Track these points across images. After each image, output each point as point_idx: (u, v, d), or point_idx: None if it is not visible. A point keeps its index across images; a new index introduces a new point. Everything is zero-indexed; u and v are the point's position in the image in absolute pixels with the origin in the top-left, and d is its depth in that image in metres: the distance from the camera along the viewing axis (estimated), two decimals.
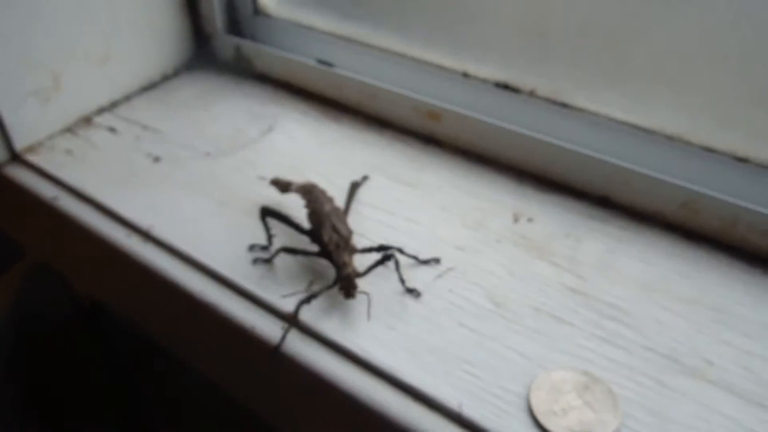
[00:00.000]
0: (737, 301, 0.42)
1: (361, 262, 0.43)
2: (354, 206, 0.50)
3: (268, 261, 0.45)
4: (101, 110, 0.63)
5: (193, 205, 0.51)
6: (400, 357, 0.38)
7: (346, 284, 0.40)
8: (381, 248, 0.43)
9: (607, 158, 0.49)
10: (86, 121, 0.62)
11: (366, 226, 0.49)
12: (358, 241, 0.47)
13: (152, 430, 0.84)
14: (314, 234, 0.44)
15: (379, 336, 0.40)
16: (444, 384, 0.37)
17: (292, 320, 0.41)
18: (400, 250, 0.44)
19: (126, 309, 0.55)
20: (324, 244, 0.43)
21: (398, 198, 0.51)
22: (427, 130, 0.58)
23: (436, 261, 0.45)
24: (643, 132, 0.50)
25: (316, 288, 0.42)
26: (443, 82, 0.58)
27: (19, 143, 0.58)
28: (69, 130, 0.61)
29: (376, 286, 0.43)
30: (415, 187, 0.52)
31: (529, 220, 0.49)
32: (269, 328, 0.41)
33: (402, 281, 0.43)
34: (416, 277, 0.44)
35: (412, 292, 0.42)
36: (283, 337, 0.40)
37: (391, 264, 0.43)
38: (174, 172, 0.55)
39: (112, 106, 0.64)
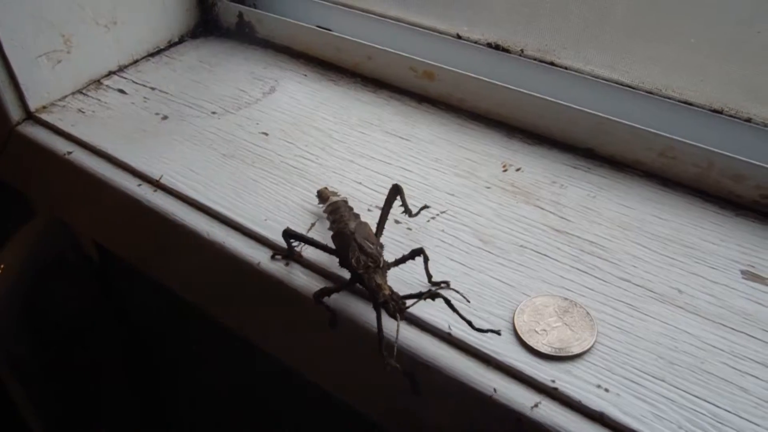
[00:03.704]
0: (707, 238, 0.45)
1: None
2: (350, 157, 0.54)
3: (333, 320, 0.42)
4: (110, 73, 0.66)
5: (200, 158, 0.54)
6: (393, 284, 0.41)
7: (394, 310, 0.36)
8: (413, 253, 0.41)
9: (591, 111, 0.52)
10: (96, 83, 0.65)
11: (362, 175, 0.52)
12: (356, 191, 0.50)
13: (163, 376, 0.88)
14: (342, 256, 0.41)
15: None
16: (434, 308, 0.40)
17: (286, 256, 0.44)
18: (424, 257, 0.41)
19: (135, 256, 0.59)
20: (352, 268, 0.39)
21: (393, 150, 0.54)
22: (422, 89, 0.61)
23: (446, 284, 0.42)
24: (624, 87, 0.53)
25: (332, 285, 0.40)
26: (437, 44, 0.60)
27: (33, 103, 0.60)
28: (80, 91, 0.64)
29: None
30: (410, 141, 0.55)
31: (518, 169, 0.52)
32: (273, 264, 0.44)
33: (470, 324, 0.37)
34: (410, 219, 0.47)
35: (487, 332, 0.38)
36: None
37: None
38: (181, 128, 0.58)
39: (121, 69, 0.67)
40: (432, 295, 0.37)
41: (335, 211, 0.44)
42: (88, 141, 0.56)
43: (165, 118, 0.59)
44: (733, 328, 0.39)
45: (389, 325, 0.37)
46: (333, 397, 0.47)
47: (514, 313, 0.40)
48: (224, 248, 0.46)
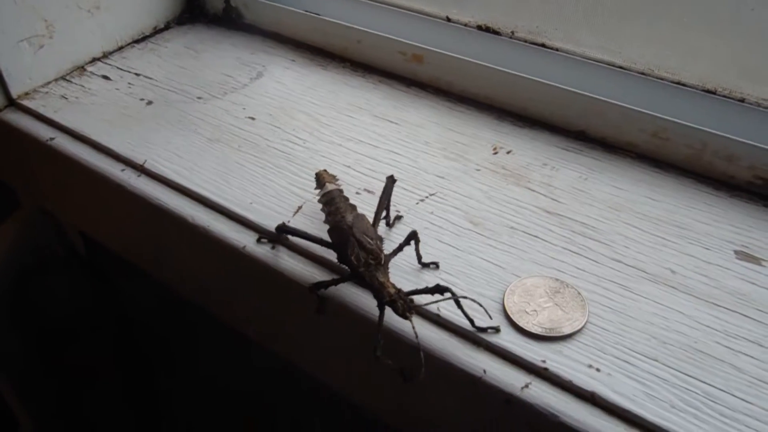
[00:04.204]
0: (701, 219, 0.44)
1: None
2: (338, 141, 0.53)
3: (321, 306, 0.41)
4: (94, 60, 0.65)
5: (185, 142, 0.53)
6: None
7: (403, 310, 0.35)
8: (408, 239, 0.40)
9: (583, 92, 0.51)
10: (80, 69, 0.64)
11: (351, 159, 0.51)
12: (345, 174, 0.49)
13: (157, 370, 0.86)
14: (339, 252, 0.39)
15: None
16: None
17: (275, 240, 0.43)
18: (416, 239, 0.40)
19: (120, 245, 0.58)
20: (352, 265, 0.38)
21: (382, 134, 0.53)
22: (411, 73, 0.60)
23: (435, 265, 0.41)
24: (616, 68, 0.52)
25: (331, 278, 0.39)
26: (427, 28, 0.59)
27: (15, 89, 0.59)
28: (63, 78, 0.62)
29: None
30: (398, 124, 0.55)
31: (509, 152, 0.51)
32: (259, 247, 0.44)
33: (471, 321, 0.37)
34: (399, 201, 0.46)
35: (487, 330, 0.37)
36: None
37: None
38: (166, 113, 0.57)
39: (105, 56, 0.66)
40: (441, 290, 0.36)
41: (330, 202, 0.42)
42: (71, 127, 0.55)
43: (150, 103, 0.58)
44: (726, 308, 0.38)
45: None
46: (329, 391, 0.46)
47: (504, 294, 0.39)
48: (209, 232, 0.45)
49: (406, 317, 0.35)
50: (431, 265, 0.41)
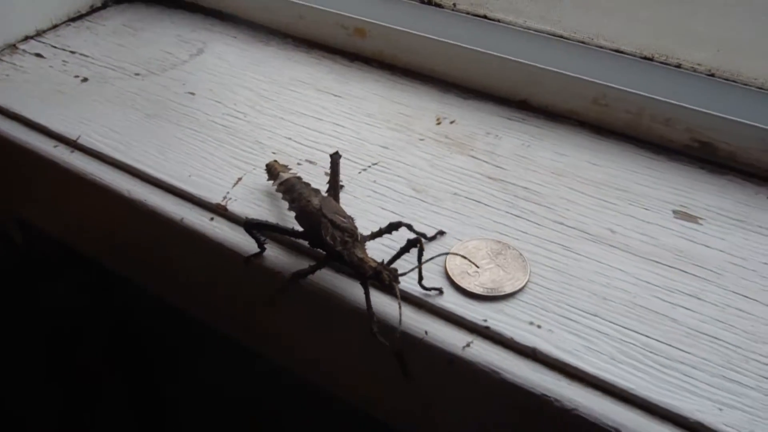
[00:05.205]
0: (640, 181, 0.45)
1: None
2: (281, 114, 0.52)
3: (282, 291, 0.39)
4: (27, 38, 0.63)
5: (121, 118, 0.51)
6: None
7: (388, 282, 0.34)
8: (390, 227, 0.38)
9: (524, 61, 0.51)
10: (11, 48, 0.61)
11: (293, 131, 0.50)
12: (286, 146, 0.48)
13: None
14: (312, 236, 0.38)
15: None
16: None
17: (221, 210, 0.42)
18: (410, 227, 0.39)
19: (58, 228, 0.56)
20: (329, 246, 0.37)
21: (325, 107, 0.53)
22: (354, 48, 0.59)
23: (442, 234, 0.41)
24: (557, 38, 0.52)
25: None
26: (369, 1, 0.59)
27: None
28: None
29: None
30: (342, 98, 0.54)
31: (452, 122, 0.51)
32: (197, 219, 0.42)
33: (420, 278, 0.37)
34: (341, 171, 0.45)
35: (431, 290, 0.37)
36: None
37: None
38: (102, 90, 0.55)
39: (39, 34, 0.64)
40: (413, 243, 0.36)
41: (291, 189, 0.41)
42: (0, 104, 0.53)
43: (85, 80, 0.56)
44: (665, 264, 0.39)
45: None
46: (330, 396, 0.45)
47: (446, 257, 0.38)
48: (146, 206, 0.44)
49: (392, 287, 0.34)
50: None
